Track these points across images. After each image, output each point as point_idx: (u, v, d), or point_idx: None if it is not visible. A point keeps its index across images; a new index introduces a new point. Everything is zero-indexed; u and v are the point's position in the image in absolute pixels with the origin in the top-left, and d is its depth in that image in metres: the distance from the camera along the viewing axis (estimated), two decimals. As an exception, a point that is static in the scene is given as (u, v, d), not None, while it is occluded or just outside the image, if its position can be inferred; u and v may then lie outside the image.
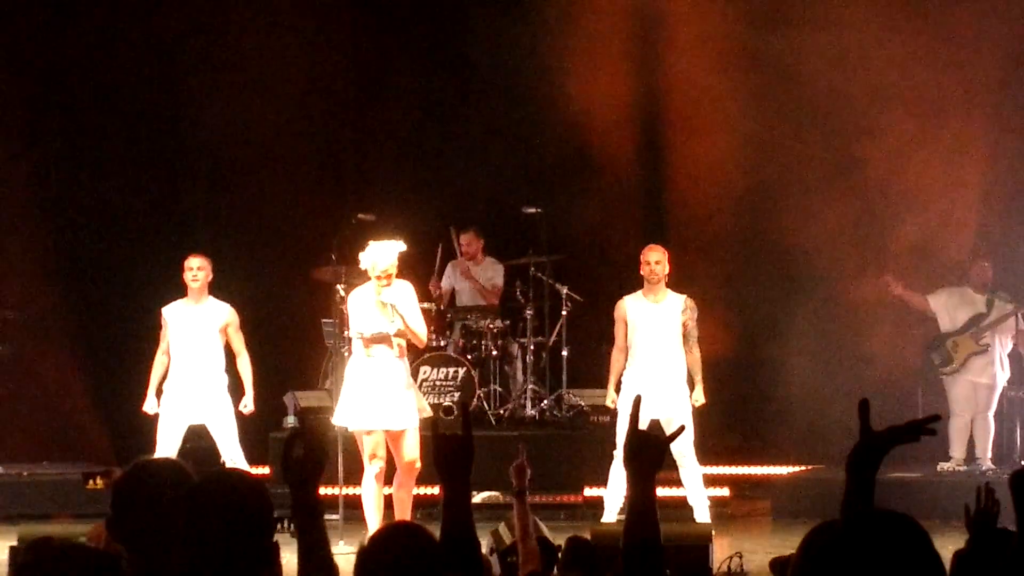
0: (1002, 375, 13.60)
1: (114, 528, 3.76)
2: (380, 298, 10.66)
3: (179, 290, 11.82)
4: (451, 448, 4.09)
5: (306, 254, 14.40)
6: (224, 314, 11.80)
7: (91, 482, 13.05)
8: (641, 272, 11.68)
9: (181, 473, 3.85)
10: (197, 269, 11.72)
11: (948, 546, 5.70)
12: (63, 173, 15.36)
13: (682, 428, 4.68)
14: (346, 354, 11.86)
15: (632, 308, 11.70)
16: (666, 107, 14.43)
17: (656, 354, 11.62)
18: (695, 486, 11.62)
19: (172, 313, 11.76)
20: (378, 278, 10.65)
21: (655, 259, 11.64)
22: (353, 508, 11.06)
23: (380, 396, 10.68)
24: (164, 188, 15.53)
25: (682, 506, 11.72)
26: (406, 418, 10.75)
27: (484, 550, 7.47)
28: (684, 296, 11.72)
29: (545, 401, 14.39)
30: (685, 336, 11.65)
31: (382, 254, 10.68)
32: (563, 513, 12.73)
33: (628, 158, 15.08)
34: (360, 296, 10.85)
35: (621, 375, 11.76)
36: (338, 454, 11.21)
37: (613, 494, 11.59)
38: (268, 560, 3.42)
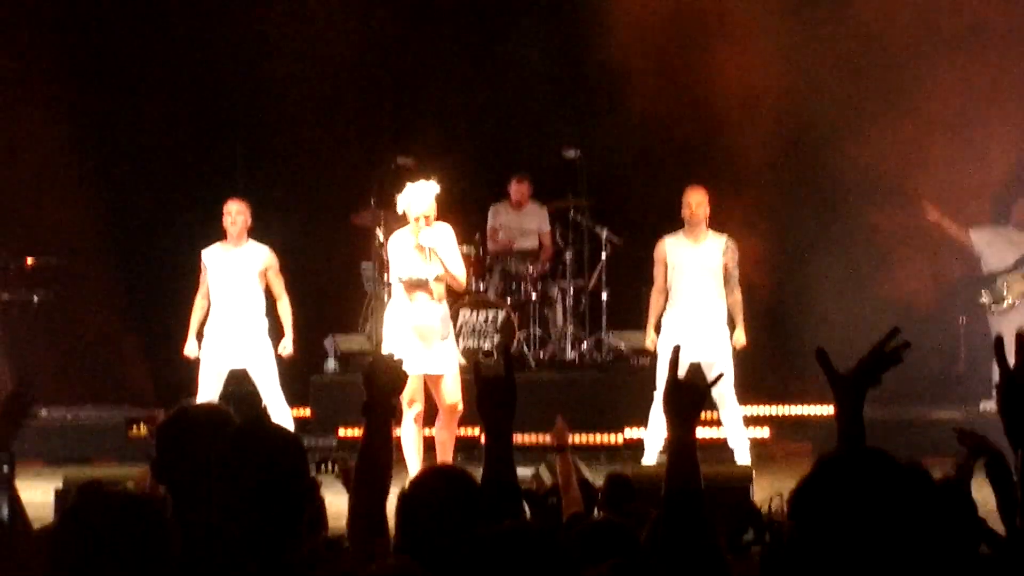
0: None
1: (158, 472, 3.79)
2: (419, 240, 10.66)
3: (219, 235, 11.86)
4: (494, 391, 4.09)
5: (346, 199, 14.42)
6: (264, 257, 11.82)
7: (134, 428, 13.14)
8: (682, 214, 11.66)
9: (223, 418, 3.88)
10: (236, 213, 11.74)
11: (987, 484, 5.68)
12: (103, 119, 15.37)
13: (721, 375, 4.68)
14: (386, 298, 11.89)
15: (672, 249, 11.69)
16: (706, 43, 14.31)
17: (696, 295, 11.61)
18: (735, 427, 11.63)
19: (211, 256, 11.79)
20: (415, 220, 10.65)
21: (696, 200, 11.61)
22: (396, 450, 11.09)
23: (420, 340, 10.70)
24: (204, 133, 15.54)
25: (722, 447, 11.75)
26: (446, 362, 10.77)
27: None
28: (725, 236, 11.69)
29: (585, 344, 14.39)
30: (726, 277, 11.63)
31: (419, 196, 10.68)
32: (603, 455, 12.74)
33: (669, 98, 14.99)
34: (399, 240, 10.85)
35: (660, 316, 11.76)
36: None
37: (653, 436, 11.60)
38: (307, 502, 3.44)
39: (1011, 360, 3.50)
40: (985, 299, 13.61)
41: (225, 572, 3.30)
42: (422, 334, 10.71)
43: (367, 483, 3.80)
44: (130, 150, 15.39)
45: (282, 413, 11.69)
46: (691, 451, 3.76)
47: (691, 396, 3.86)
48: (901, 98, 14.07)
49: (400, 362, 4.06)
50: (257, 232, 11.95)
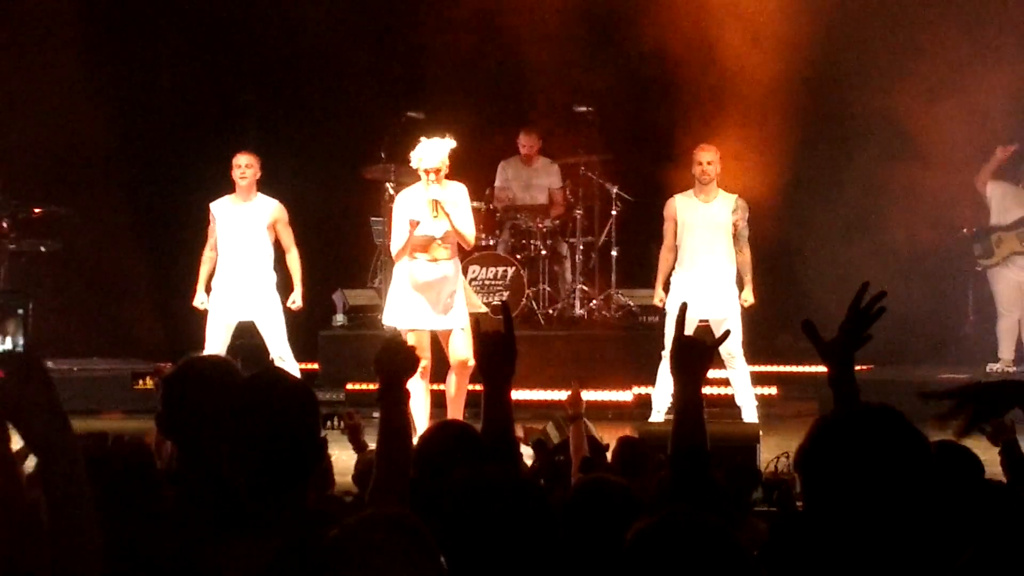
0: None
1: (163, 424, 3.78)
2: (428, 194, 10.61)
3: (229, 187, 11.83)
4: (492, 346, 4.08)
5: (356, 152, 14.38)
6: (272, 210, 11.79)
7: (140, 382, 13.15)
8: (693, 172, 11.63)
9: (229, 370, 3.86)
10: (245, 167, 11.70)
11: (992, 446, 5.70)
12: (115, 70, 15.32)
13: (727, 333, 4.65)
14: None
15: (682, 207, 11.66)
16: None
17: (705, 254, 11.58)
18: (743, 386, 11.62)
19: (220, 209, 11.77)
20: (426, 172, 10.60)
21: (707, 159, 11.57)
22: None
23: (426, 296, 10.67)
24: (215, 86, 15.49)
25: (730, 405, 11.76)
26: (455, 318, 10.74)
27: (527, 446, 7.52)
28: (735, 196, 11.66)
29: (594, 301, 14.38)
30: (735, 236, 11.60)
31: (431, 150, 10.62)
32: (611, 412, 12.74)
33: (679, 54, 14.93)
34: (408, 196, 10.80)
35: (669, 275, 11.74)
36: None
37: (661, 394, 11.61)
38: (316, 457, 3.43)
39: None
40: (977, 251, 13.63)
41: (231, 525, 3.29)
42: (429, 290, 10.68)
43: (390, 462, 3.79)
44: (141, 101, 15.35)
45: (289, 366, 11.69)
46: (698, 410, 3.76)
47: (698, 354, 3.84)
48: (911, 52, 13.98)
49: (412, 347, 4.06)
50: (267, 185, 11.92)
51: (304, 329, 13.06)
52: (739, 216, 11.60)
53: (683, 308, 4.17)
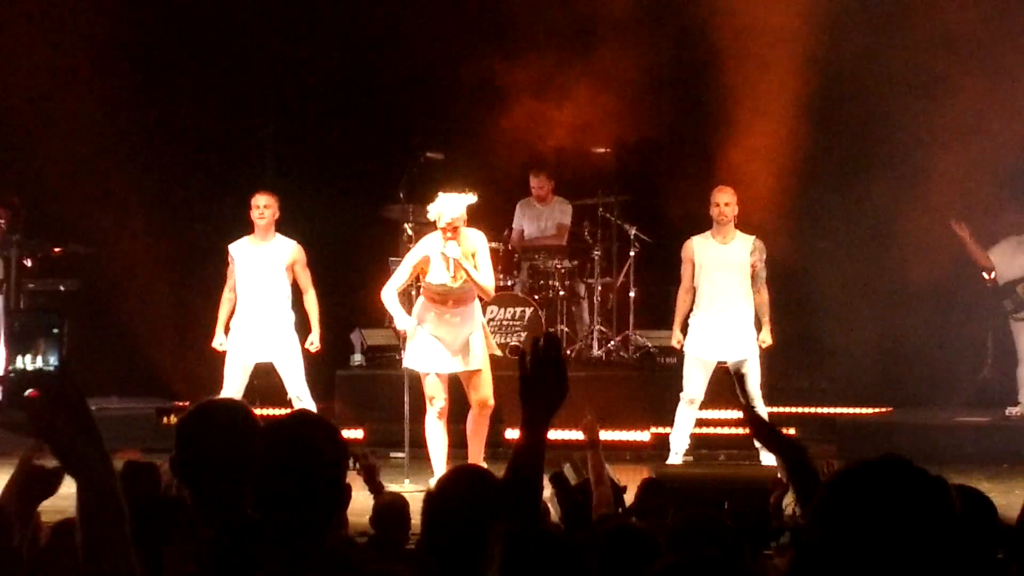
0: None
1: (177, 467, 3.77)
2: (444, 250, 10.60)
3: (247, 228, 11.85)
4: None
5: (374, 192, 14.42)
6: (291, 251, 11.80)
7: (165, 419, 13.16)
8: (711, 213, 11.63)
9: (244, 415, 3.86)
10: (264, 207, 11.72)
11: (1016, 489, 5.67)
12: (135, 112, 15.37)
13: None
14: (412, 294, 11.91)
15: (700, 248, 11.65)
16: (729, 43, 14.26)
17: (723, 295, 11.57)
18: (762, 429, 11.57)
19: (239, 250, 11.79)
20: (443, 230, 10.58)
21: (725, 200, 11.57)
22: (418, 447, 11.10)
23: (445, 340, 10.68)
24: (234, 126, 15.56)
25: (747, 447, 11.74)
26: (473, 359, 10.74)
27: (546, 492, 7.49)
28: (753, 237, 11.65)
29: (612, 342, 14.37)
30: (753, 277, 11.59)
31: (450, 205, 10.60)
32: (628, 454, 12.70)
33: (698, 98, 14.98)
34: (428, 244, 10.79)
35: (687, 316, 11.73)
36: (405, 392, 11.25)
37: (679, 436, 11.61)
38: (340, 503, 3.40)
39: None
40: (1009, 307, 13.61)
41: (244, 568, 3.28)
42: (448, 334, 10.69)
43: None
44: (159, 144, 15.39)
45: (307, 407, 11.69)
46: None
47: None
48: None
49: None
50: (285, 225, 11.94)
51: (322, 369, 13.06)
52: (757, 257, 11.59)
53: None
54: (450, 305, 10.74)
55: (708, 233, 11.70)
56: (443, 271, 10.61)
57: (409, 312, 10.96)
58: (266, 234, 11.74)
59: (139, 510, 2.64)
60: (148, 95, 15.43)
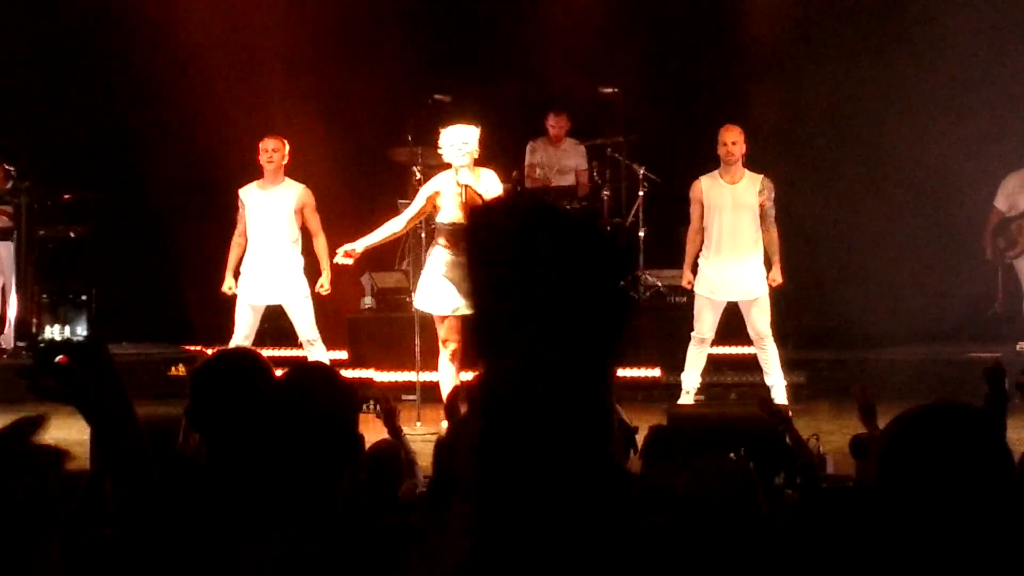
0: None
1: (192, 417, 3.79)
2: (457, 178, 10.63)
3: (256, 172, 11.85)
4: None
5: (382, 135, 14.38)
6: (300, 194, 11.82)
7: (173, 369, 13.19)
8: (718, 152, 11.61)
9: (259, 364, 3.87)
10: (272, 151, 11.73)
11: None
12: (139, 55, 15.32)
13: None
14: (423, 235, 11.93)
15: (708, 189, 11.64)
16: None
17: (732, 235, 11.57)
18: (773, 367, 11.60)
19: (248, 195, 11.80)
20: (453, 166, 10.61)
21: (732, 139, 11.54)
22: (430, 391, 11.13)
23: (457, 281, 10.70)
24: (241, 69, 15.48)
25: (759, 386, 11.76)
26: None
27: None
28: (761, 176, 11.63)
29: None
30: (762, 216, 11.58)
31: (455, 136, 10.64)
32: (640, 394, 12.72)
33: (707, 36, 14.92)
34: (439, 181, 10.81)
35: (697, 256, 11.73)
36: (415, 336, 11.26)
37: (690, 375, 11.64)
38: (352, 453, 3.41)
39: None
40: (1000, 245, 13.63)
41: (264, 519, 3.30)
42: (459, 278, 10.71)
43: None
44: (165, 88, 15.34)
45: (318, 350, 11.74)
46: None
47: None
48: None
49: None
50: (293, 168, 11.93)
51: (332, 312, 13.07)
52: (765, 196, 11.57)
53: None
54: (462, 246, 10.74)
55: (716, 172, 11.68)
56: (454, 208, 10.63)
57: (423, 258, 11.00)
58: (275, 178, 11.74)
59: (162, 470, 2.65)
60: (153, 43, 15.35)
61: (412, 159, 13.24)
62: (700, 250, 11.71)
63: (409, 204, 11.43)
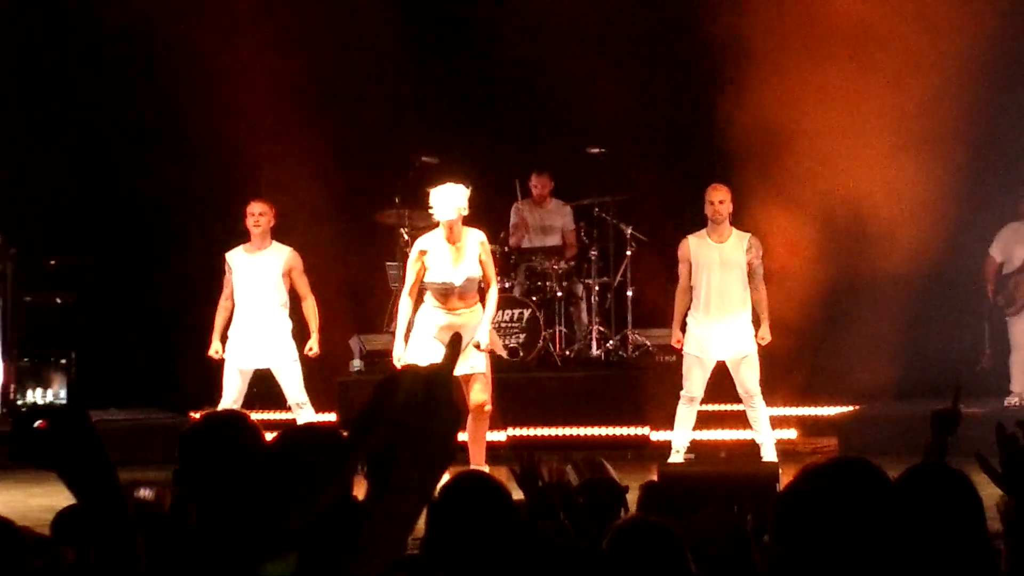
0: None
1: (181, 480, 3.77)
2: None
3: (243, 235, 11.85)
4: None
5: (370, 197, 14.42)
6: (287, 258, 11.82)
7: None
8: (705, 211, 11.63)
9: (247, 426, 3.86)
10: (259, 215, 11.74)
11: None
12: (124, 118, 15.35)
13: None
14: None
15: (696, 248, 11.65)
16: (726, 47, 14.24)
17: (720, 294, 11.58)
18: (762, 425, 11.59)
19: (235, 259, 11.80)
20: (446, 224, 10.62)
21: (719, 198, 11.57)
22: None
23: (446, 339, 10.69)
24: (228, 134, 15.49)
25: (749, 445, 11.76)
26: (476, 362, 10.75)
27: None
28: (749, 234, 11.65)
29: (611, 341, 14.36)
30: (751, 274, 11.59)
31: (445, 197, 10.65)
32: (630, 453, 12.70)
33: (692, 97, 14.98)
34: (425, 242, 10.81)
35: (685, 315, 11.73)
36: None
37: (680, 434, 11.63)
38: (348, 515, 3.39)
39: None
40: (1000, 303, 13.66)
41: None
42: (453, 331, 10.69)
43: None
44: (152, 150, 15.36)
45: (307, 413, 11.72)
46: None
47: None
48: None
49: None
50: (281, 231, 11.94)
51: (321, 375, 13.05)
52: (753, 254, 11.59)
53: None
54: (453, 303, 10.76)
55: (704, 231, 11.70)
56: (443, 269, 10.63)
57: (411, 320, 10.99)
58: (262, 242, 11.75)
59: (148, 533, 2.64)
60: (138, 104, 15.38)
61: (400, 221, 13.29)
62: (688, 309, 11.72)
63: (397, 266, 11.43)
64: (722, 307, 11.55)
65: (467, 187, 10.75)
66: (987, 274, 13.74)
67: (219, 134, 15.25)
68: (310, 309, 11.88)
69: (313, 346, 11.86)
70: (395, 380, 2.05)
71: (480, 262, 10.75)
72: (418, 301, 10.97)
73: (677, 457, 11.53)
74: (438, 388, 2.06)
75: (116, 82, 15.35)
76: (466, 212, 10.72)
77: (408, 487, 1.98)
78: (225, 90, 15.10)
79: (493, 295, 10.94)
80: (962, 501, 3.93)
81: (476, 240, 10.78)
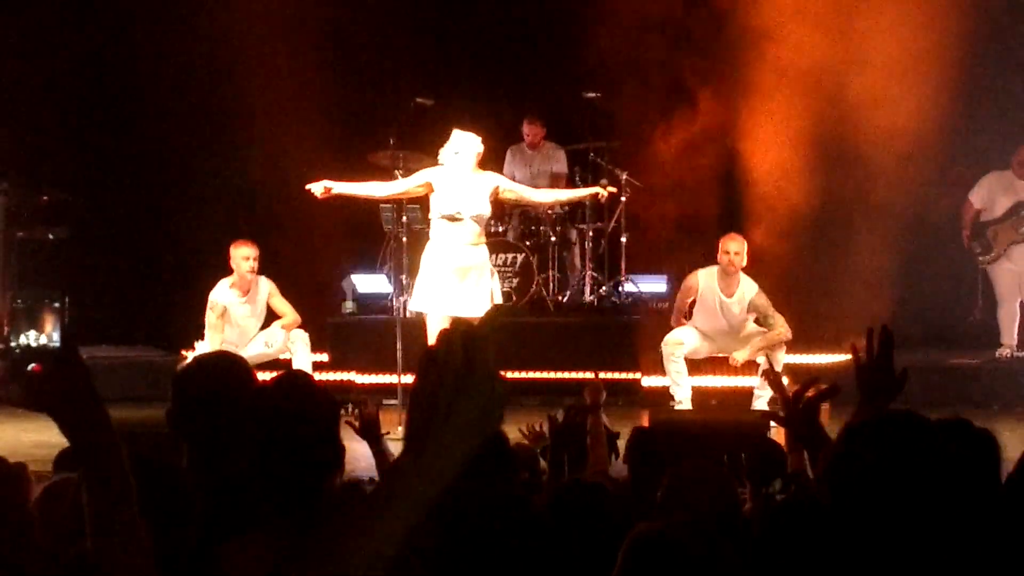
0: None
1: (174, 421, 3.76)
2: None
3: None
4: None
5: (364, 138, 14.34)
6: (268, 290, 12.07)
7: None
8: (718, 260, 11.70)
9: (241, 368, 3.85)
10: (254, 259, 11.86)
11: (1004, 430, 5.69)
12: (118, 59, 15.28)
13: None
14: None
15: (704, 289, 11.82)
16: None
17: (715, 336, 11.90)
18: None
19: (228, 302, 11.90)
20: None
21: (734, 249, 11.65)
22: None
23: (453, 281, 10.69)
24: (219, 69, 15.41)
25: (741, 393, 11.81)
26: (479, 304, 10.75)
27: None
28: (755, 291, 11.68)
29: (604, 287, 14.35)
30: (765, 322, 11.68)
31: (469, 142, 10.83)
32: (622, 399, 12.70)
33: (695, 46, 14.90)
34: (434, 176, 10.87)
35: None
36: (397, 340, 11.24)
37: (681, 389, 11.77)
38: (336, 464, 3.40)
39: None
40: (976, 250, 13.67)
41: (242, 523, 3.28)
42: (456, 277, 10.69)
43: None
44: (145, 87, 15.28)
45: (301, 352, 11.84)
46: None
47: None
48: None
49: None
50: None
51: (313, 316, 13.05)
52: (755, 308, 11.74)
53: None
54: (459, 244, 10.76)
55: (715, 273, 11.77)
56: (454, 199, 10.66)
57: (402, 263, 11.03)
58: (253, 285, 11.86)
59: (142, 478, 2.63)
60: (133, 45, 15.30)
61: (393, 162, 13.20)
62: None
63: (390, 207, 11.43)
64: (717, 342, 11.86)
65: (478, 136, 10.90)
66: (964, 219, 13.75)
67: (214, 73, 15.21)
68: (290, 321, 12.05)
69: (272, 342, 12.05)
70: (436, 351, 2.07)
71: (499, 199, 11.05)
72: (417, 239, 11.03)
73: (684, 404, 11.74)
74: (477, 357, 2.06)
75: (111, 16, 15.27)
76: (478, 159, 10.86)
77: (442, 452, 1.95)
78: (220, 29, 15.02)
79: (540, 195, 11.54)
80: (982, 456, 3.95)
81: (492, 180, 10.90)
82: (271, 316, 12.14)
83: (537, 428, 7.44)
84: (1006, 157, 13.68)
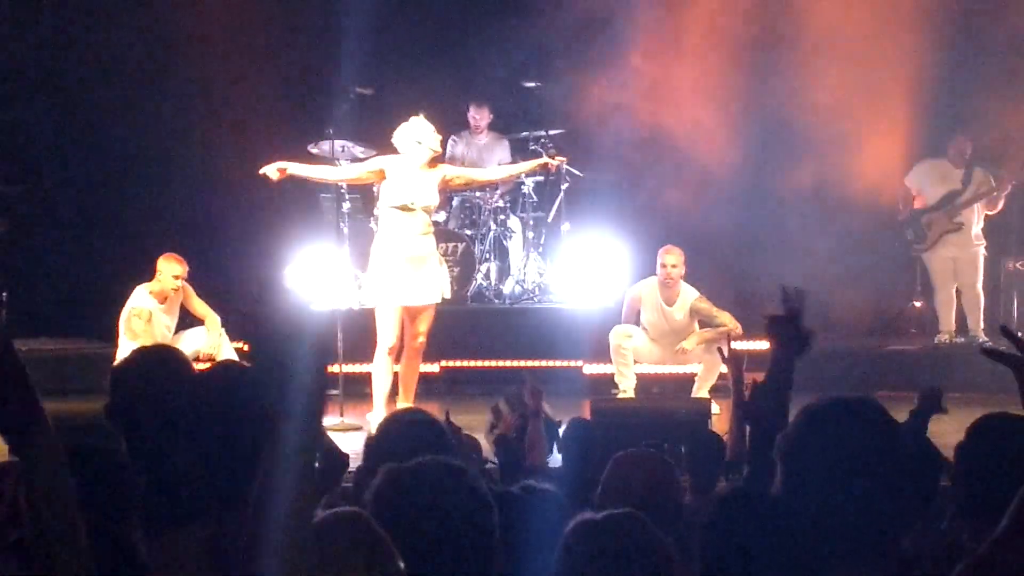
0: (979, 249, 13.65)
1: (112, 415, 3.73)
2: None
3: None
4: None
5: (303, 128, 14.27)
6: (183, 296, 12.13)
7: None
8: (656, 273, 11.80)
9: (179, 361, 3.83)
10: (183, 278, 11.90)
11: (945, 416, 5.75)
12: (65, 43, 15.16)
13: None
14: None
15: (646, 303, 11.96)
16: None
17: (663, 344, 12.01)
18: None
19: (154, 312, 11.96)
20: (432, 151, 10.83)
21: (671, 262, 11.76)
22: (354, 384, 11.11)
23: (411, 271, 10.65)
24: (158, 61, 15.31)
25: (683, 380, 11.88)
26: (431, 294, 10.74)
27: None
28: (695, 296, 11.79)
29: (545, 275, 14.34)
30: (711, 323, 11.76)
31: (429, 132, 10.86)
32: (563, 387, 12.70)
33: (634, 36, 14.90)
34: (387, 162, 10.83)
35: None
36: (336, 332, 11.21)
37: (626, 378, 11.84)
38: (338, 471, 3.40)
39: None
40: (909, 236, 13.78)
41: (179, 513, 3.27)
42: (415, 263, 10.66)
43: None
44: (86, 82, 15.17)
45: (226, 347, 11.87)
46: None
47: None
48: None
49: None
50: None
51: (244, 305, 12.98)
52: (703, 314, 11.82)
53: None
54: (411, 234, 10.71)
55: (655, 286, 11.87)
56: (402, 192, 10.62)
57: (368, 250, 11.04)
58: (177, 302, 11.88)
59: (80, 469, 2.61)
60: (81, 31, 15.19)
61: (334, 152, 13.17)
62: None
63: (331, 197, 11.41)
64: (662, 348, 12.02)
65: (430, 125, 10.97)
66: (902, 203, 13.85)
67: (155, 64, 15.10)
68: (212, 324, 12.12)
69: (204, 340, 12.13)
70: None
71: (448, 187, 11.19)
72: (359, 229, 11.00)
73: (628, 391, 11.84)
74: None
75: (50, 6, 15.16)
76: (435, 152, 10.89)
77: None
78: (160, 20, 14.93)
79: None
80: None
81: (440, 170, 11.01)
82: (184, 319, 12.17)
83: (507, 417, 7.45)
84: (940, 144, 13.80)
